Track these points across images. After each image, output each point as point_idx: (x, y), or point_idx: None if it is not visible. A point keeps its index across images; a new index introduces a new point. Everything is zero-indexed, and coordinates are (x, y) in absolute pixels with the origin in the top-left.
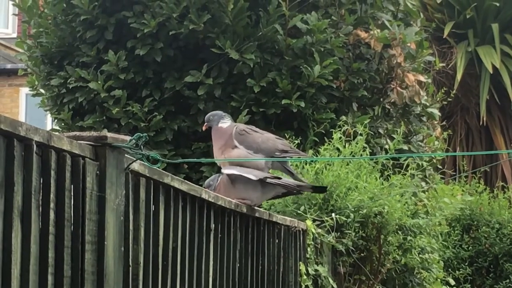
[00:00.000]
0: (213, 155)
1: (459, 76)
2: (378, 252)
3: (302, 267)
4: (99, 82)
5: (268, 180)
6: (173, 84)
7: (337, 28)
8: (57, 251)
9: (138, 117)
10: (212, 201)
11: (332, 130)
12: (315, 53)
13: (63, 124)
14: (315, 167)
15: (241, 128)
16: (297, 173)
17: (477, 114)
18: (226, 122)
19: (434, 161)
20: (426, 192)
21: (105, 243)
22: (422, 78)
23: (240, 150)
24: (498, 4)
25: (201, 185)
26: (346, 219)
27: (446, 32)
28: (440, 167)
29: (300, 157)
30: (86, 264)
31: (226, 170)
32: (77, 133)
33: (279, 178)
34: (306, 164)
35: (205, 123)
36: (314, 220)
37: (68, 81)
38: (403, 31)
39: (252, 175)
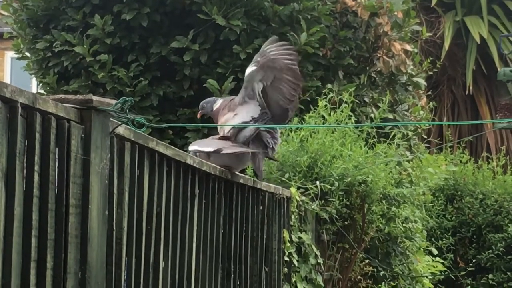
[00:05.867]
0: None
1: (446, 46)
2: (361, 220)
3: (285, 234)
4: (85, 46)
5: (224, 151)
6: (159, 50)
7: None
8: (41, 213)
9: (123, 82)
10: (197, 166)
11: (317, 98)
12: (302, 21)
13: (48, 88)
14: (300, 134)
15: None
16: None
17: (463, 84)
18: (219, 104)
19: (419, 130)
20: (411, 162)
21: (89, 206)
22: (408, 47)
23: (229, 113)
24: None
25: (186, 151)
26: (330, 187)
27: (433, 1)
28: (425, 136)
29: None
30: (70, 227)
31: (190, 147)
32: (63, 96)
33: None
34: (291, 131)
35: (200, 111)
36: (298, 188)
37: (54, 45)
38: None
39: (209, 147)
